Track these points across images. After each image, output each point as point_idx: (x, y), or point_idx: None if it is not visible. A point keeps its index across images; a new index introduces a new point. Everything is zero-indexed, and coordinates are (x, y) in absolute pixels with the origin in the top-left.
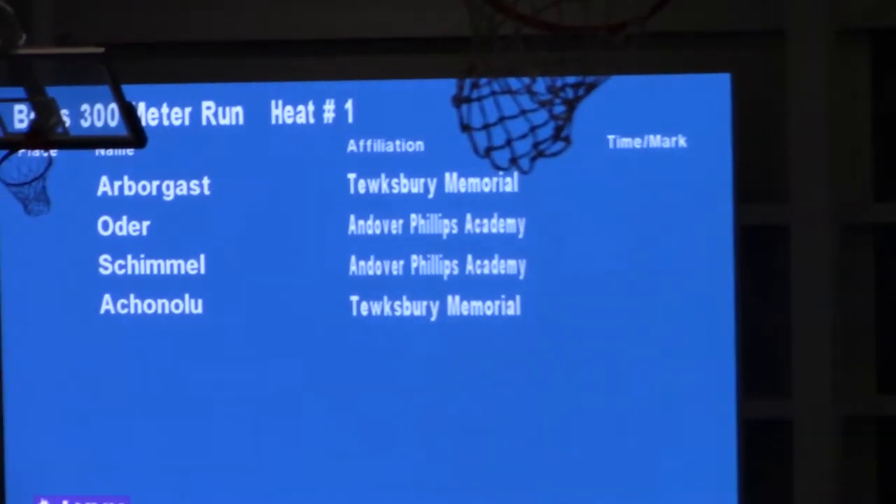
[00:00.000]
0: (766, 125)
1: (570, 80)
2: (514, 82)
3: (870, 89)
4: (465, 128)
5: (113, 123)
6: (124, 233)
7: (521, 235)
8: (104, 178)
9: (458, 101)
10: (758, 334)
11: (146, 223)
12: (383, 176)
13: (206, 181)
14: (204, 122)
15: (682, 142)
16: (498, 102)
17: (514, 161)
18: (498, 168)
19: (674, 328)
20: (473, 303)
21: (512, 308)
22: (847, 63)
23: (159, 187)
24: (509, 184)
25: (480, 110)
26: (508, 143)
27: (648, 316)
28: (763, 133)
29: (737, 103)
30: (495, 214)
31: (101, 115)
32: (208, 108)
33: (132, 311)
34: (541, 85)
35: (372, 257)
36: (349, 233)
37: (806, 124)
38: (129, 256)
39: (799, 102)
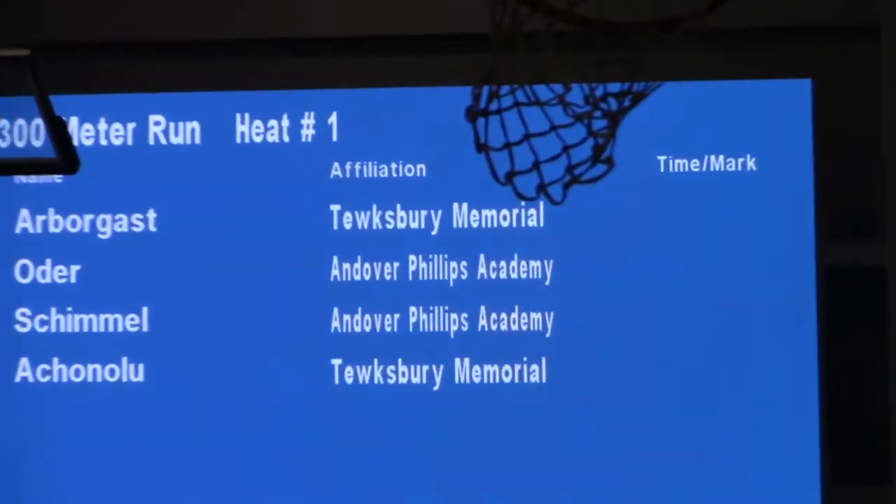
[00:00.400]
0: (856, 143)
1: (613, 87)
2: (543, 91)
3: None
4: (482, 147)
5: (37, 143)
6: (48, 280)
7: (547, 282)
8: (24, 212)
9: (473, 114)
10: (848, 403)
11: (75, 268)
12: (375, 208)
13: (151, 215)
14: (151, 142)
15: (750, 164)
16: (523, 116)
17: (542, 189)
18: (522, 198)
19: (746, 397)
20: (487, 367)
21: (536, 374)
22: None
23: (93, 223)
24: (534, 217)
25: (501, 126)
26: (536, 166)
27: (714, 384)
28: (852, 153)
29: (819, 116)
30: (516, 255)
31: (22, 132)
32: (157, 123)
33: (55, 378)
34: (577, 94)
35: (359, 310)
36: (331, 279)
37: None
38: (54, 310)
39: None
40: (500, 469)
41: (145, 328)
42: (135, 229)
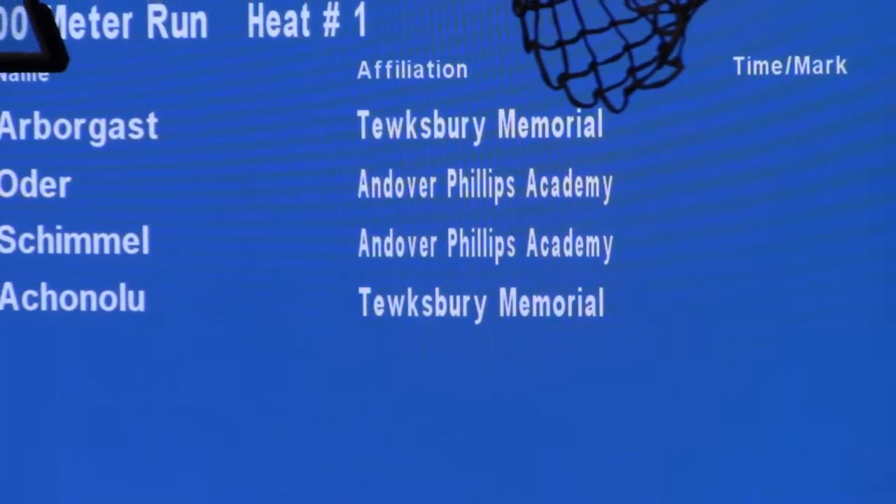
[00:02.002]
0: None
1: None
2: None
3: None
4: (531, 45)
5: (19, 36)
6: (33, 194)
7: (606, 202)
8: (5, 115)
9: (521, 6)
10: None
11: (65, 180)
12: (408, 114)
13: (151, 120)
14: (151, 35)
15: (840, 66)
16: (578, 9)
17: (600, 94)
18: (577, 105)
19: (831, 341)
20: (536, 298)
21: (592, 307)
22: None
23: (84, 129)
24: (591, 126)
25: (553, 20)
26: (593, 68)
27: (795, 322)
28: None
29: None
30: (570, 170)
31: (2, 23)
32: (157, 14)
33: (43, 306)
34: None
35: (391, 231)
36: (359, 195)
37: None
38: (41, 228)
39: None
40: (548, 415)
41: (145, 250)
42: (133, 136)
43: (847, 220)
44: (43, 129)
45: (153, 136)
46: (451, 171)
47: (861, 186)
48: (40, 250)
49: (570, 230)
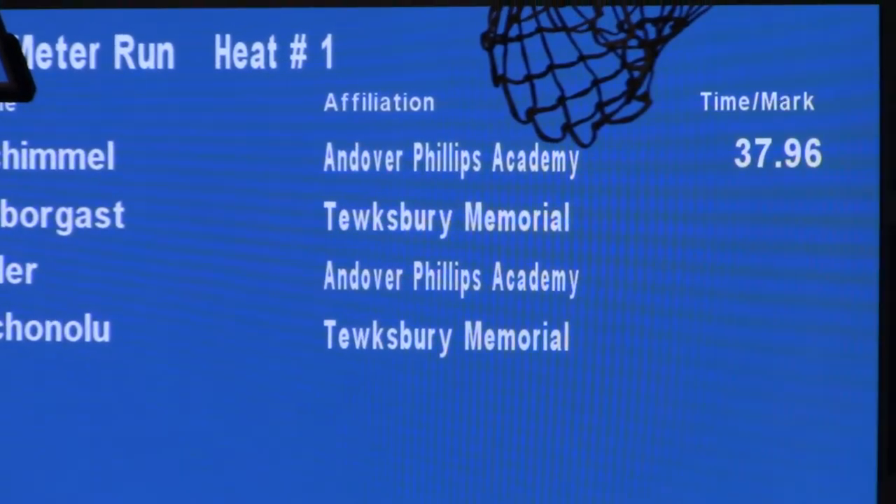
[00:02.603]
0: None
1: (651, 12)
2: (570, 15)
3: None
4: (499, 79)
5: None
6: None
7: (572, 235)
8: None
9: (490, 40)
10: None
11: (27, 211)
12: (375, 146)
13: (111, 149)
14: (117, 66)
15: (808, 102)
16: (547, 44)
17: (568, 129)
18: (545, 139)
19: (798, 368)
20: (502, 332)
21: (557, 341)
22: None
23: (47, 158)
24: (560, 161)
25: (522, 55)
26: (561, 102)
27: (761, 353)
28: None
29: (888, 48)
30: (538, 202)
31: None
32: (124, 44)
33: (9, 336)
34: (609, 19)
35: (357, 264)
36: (327, 229)
37: None
38: (0, 258)
39: None
40: (514, 449)
41: (112, 282)
42: (94, 167)
43: (817, 256)
44: (12, 159)
45: (111, 167)
46: (405, 213)
47: (830, 222)
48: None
49: (536, 264)
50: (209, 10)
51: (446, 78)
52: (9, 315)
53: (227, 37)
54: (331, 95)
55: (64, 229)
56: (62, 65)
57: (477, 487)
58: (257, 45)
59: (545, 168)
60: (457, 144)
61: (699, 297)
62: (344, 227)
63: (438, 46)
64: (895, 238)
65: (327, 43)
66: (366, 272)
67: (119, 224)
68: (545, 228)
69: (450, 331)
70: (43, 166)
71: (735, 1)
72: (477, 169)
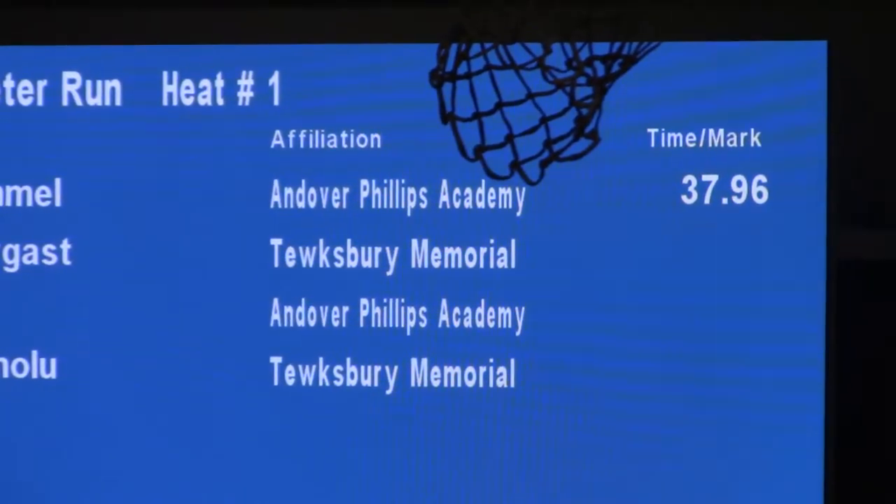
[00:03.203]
0: (879, 118)
1: (600, 49)
2: (519, 52)
3: None
4: (448, 117)
5: None
6: None
7: (519, 272)
8: None
9: (439, 78)
10: (852, 418)
11: None
12: (321, 183)
13: (58, 185)
14: (65, 102)
15: (754, 139)
16: (495, 81)
17: (516, 166)
18: (493, 177)
19: (744, 407)
20: (448, 369)
21: (503, 378)
22: None
23: None
24: (507, 199)
25: (470, 92)
26: (509, 140)
27: (710, 386)
28: (874, 130)
29: (835, 85)
30: (484, 240)
31: None
32: (71, 81)
33: None
34: (558, 57)
35: (302, 301)
36: (273, 266)
37: None
38: None
39: None
40: (458, 486)
41: (59, 319)
42: (41, 204)
43: (765, 291)
44: None
45: (58, 203)
46: (351, 250)
47: (777, 257)
48: None
49: (483, 300)
50: (156, 46)
51: (393, 114)
52: None
53: (175, 73)
54: (278, 132)
55: (11, 266)
56: (9, 101)
57: None
58: (204, 82)
59: (492, 205)
60: (403, 181)
61: (645, 336)
62: (290, 263)
63: (386, 83)
64: (842, 272)
65: (274, 80)
66: (312, 309)
67: (66, 261)
68: (491, 265)
69: (396, 367)
70: None
71: (683, 38)
72: (424, 206)
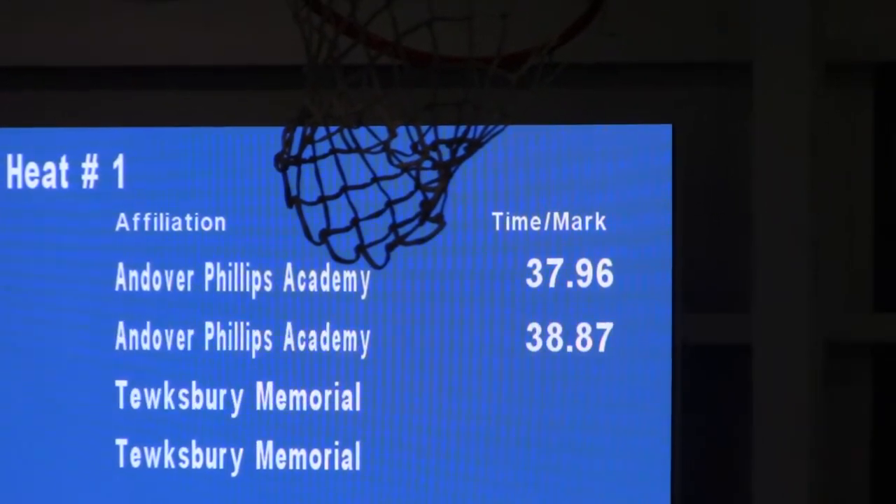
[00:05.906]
0: (723, 201)
1: (445, 133)
2: (364, 136)
3: (871, 146)
4: (293, 201)
5: None
6: None
7: (364, 355)
8: None
9: (284, 161)
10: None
11: None
12: (164, 266)
13: None
14: None
15: (599, 223)
16: (340, 165)
17: (361, 250)
18: (339, 261)
19: (591, 493)
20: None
21: (349, 460)
22: (844, 110)
23: None
24: (352, 282)
25: (315, 176)
26: (355, 224)
27: (565, 479)
28: (719, 213)
29: (680, 168)
30: (337, 331)
31: None
32: None
33: None
34: (403, 141)
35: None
36: (116, 347)
37: (780, 199)
38: None
39: (770, 166)
40: None
41: None
42: None
43: (611, 382)
44: None
45: None
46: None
47: (623, 341)
48: None
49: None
50: (0, 129)
51: (238, 198)
52: None
53: (19, 156)
54: (122, 215)
55: None
56: None
57: None
58: (49, 165)
59: (336, 288)
60: (248, 264)
61: (495, 424)
62: (132, 345)
63: (231, 166)
64: (686, 357)
65: (119, 163)
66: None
67: None
68: (336, 348)
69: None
70: None
71: (528, 121)
72: (268, 289)
